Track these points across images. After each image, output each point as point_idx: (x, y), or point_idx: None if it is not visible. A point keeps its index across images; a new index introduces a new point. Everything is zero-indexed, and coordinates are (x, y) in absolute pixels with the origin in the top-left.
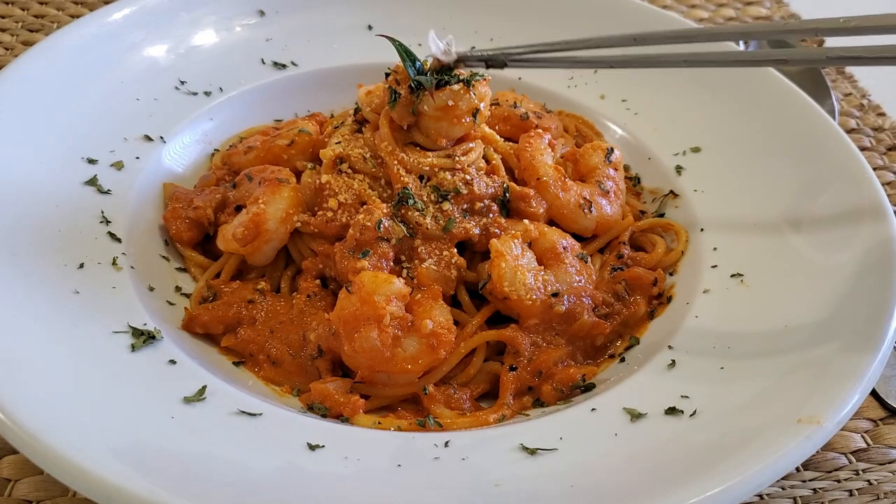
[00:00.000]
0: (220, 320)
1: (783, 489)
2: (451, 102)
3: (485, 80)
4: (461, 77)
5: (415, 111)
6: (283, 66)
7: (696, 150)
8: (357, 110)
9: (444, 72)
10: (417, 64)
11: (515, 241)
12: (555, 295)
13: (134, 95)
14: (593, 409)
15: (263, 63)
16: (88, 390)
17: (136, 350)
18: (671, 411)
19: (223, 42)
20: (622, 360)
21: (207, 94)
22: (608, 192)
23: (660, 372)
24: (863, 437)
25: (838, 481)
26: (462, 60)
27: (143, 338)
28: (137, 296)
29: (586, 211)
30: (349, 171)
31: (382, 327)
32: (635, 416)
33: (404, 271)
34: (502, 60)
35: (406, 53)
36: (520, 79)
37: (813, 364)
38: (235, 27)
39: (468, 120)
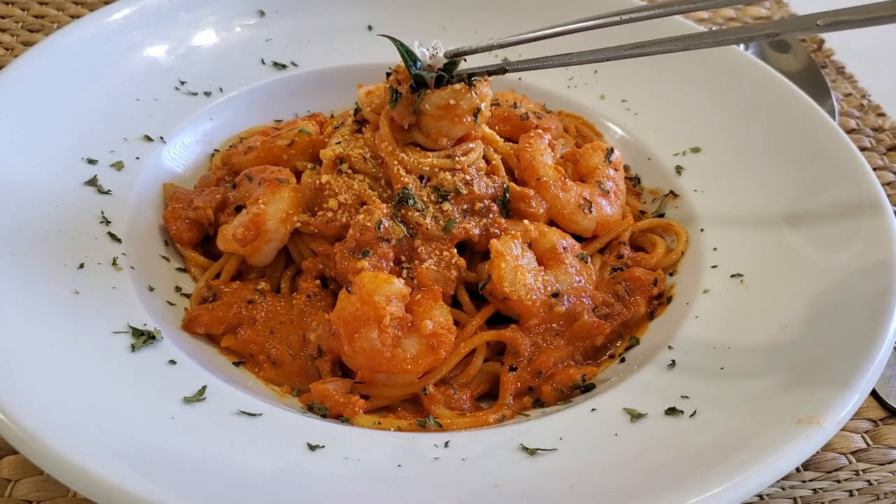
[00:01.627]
0: (220, 320)
1: (783, 489)
2: (452, 101)
3: (486, 80)
4: (462, 76)
5: (416, 110)
6: (283, 66)
7: (696, 150)
8: (357, 110)
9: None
10: (418, 63)
11: (515, 241)
12: (555, 295)
13: (134, 95)
14: (593, 409)
15: (263, 63)
16: (88, 390)
17: (136, 350)
18: (671, 411)
19: (223, 42)
20: (622, 360)
21: (207, 94)
22: (608, 193)
23: (660, 372)
24: (863, 437)
25: (838, 481)
26: (465, 73)
27: (143, 338)
28: (137, 296)
29: (586, 211)
30: (349, 171)
31: (382, 328)
32: (635, 416)
33: (404, 271)
34: (502, 67)
35: (407, 53)
36: (520, 79)
37: (813, 364)
38: (235, 27)
39: (469, 119)
